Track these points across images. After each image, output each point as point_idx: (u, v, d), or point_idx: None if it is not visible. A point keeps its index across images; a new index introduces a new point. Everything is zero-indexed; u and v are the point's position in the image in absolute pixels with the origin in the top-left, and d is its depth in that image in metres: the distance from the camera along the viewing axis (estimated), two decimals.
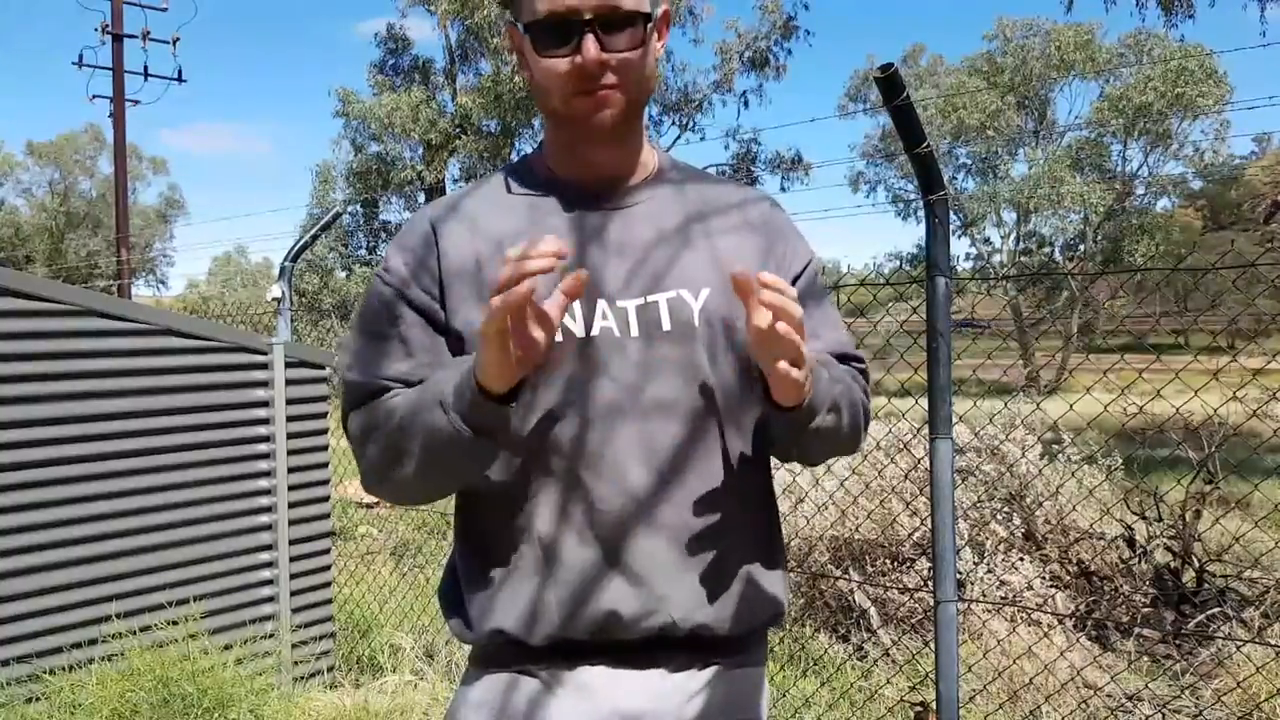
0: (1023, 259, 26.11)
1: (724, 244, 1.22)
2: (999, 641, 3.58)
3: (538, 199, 1.21)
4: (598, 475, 1.12)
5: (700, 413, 1.16)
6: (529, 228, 1.17)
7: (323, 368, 3.82)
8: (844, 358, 1.28)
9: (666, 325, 1.15)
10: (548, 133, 1.24)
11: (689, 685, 1.18)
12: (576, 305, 1.13)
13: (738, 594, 1.18)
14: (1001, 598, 4.01)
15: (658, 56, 1.21)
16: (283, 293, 4.13)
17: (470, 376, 1.04)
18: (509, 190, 1.23)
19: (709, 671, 1.19)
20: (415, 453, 1.10)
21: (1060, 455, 4.59)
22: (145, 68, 17.06)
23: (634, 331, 1.15)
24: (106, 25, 16.23)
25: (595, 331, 1.14)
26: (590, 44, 1.10)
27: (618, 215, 1.20)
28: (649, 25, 1.15)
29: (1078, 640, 3.79)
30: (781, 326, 1.00)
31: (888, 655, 3.85)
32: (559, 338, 1.10)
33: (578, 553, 1.13)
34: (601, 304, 1.15)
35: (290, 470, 3.65)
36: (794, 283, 1.23)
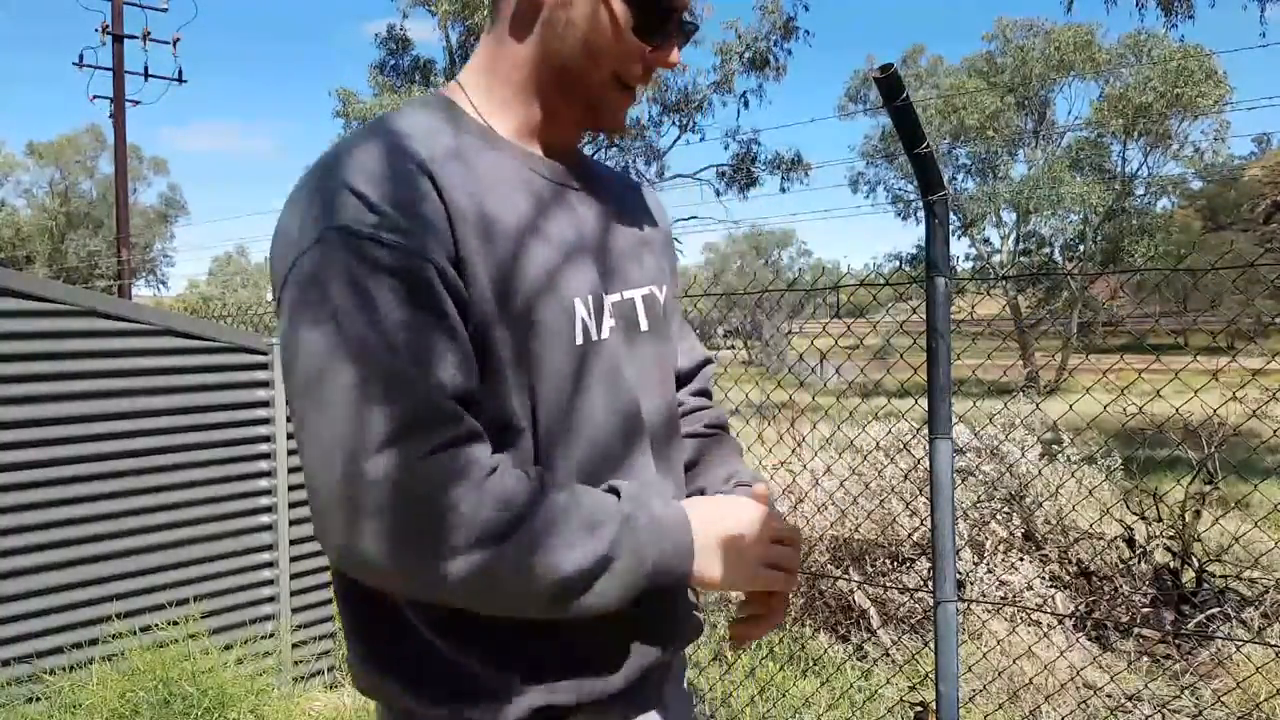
0: (1022, 259, 26.09)
1: (655, 236, 1.17)
2: (999, 641, 3.58)
3: (513, 164, 1.00)
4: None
5: (676, 417, 1.14)
6: (527, 203, 0.98)
7: None
8: (705, 362, 1.28)
9: (644, 325, 1.07)
10: (530, 94, 1.02)
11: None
12: (582, 305, 0.97)
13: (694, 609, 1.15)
14: (1001, 598, 4.01)
15: None
16: None
17: (684, 574, 0.95)
18: (485, 144, 0.99)
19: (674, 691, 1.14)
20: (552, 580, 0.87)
21: (1060, 455, 4.59)
22: (146, 68, 17.02)
23: (617, 326, 1.02)
24: (106, 25, 16.20)
25: (605, 334, 1.00)
26: (677, 50, 1.04)
27: (578, 196, 1.05)
28: None
29: (1077, 640, 3.79)
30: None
31: (888, 655, 3.85)
32: (579, 341, 0.96)
33: None
34: (608, 301, 1.01)
35: (290, 470, 3.65)
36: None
